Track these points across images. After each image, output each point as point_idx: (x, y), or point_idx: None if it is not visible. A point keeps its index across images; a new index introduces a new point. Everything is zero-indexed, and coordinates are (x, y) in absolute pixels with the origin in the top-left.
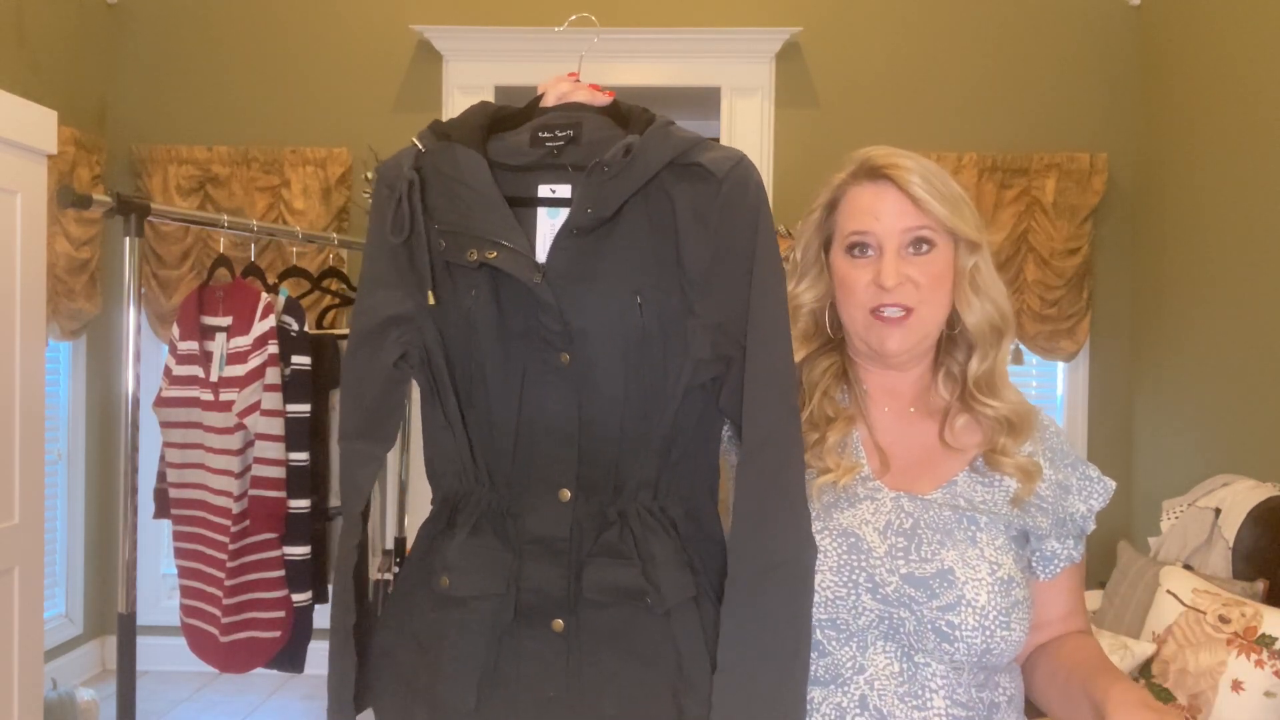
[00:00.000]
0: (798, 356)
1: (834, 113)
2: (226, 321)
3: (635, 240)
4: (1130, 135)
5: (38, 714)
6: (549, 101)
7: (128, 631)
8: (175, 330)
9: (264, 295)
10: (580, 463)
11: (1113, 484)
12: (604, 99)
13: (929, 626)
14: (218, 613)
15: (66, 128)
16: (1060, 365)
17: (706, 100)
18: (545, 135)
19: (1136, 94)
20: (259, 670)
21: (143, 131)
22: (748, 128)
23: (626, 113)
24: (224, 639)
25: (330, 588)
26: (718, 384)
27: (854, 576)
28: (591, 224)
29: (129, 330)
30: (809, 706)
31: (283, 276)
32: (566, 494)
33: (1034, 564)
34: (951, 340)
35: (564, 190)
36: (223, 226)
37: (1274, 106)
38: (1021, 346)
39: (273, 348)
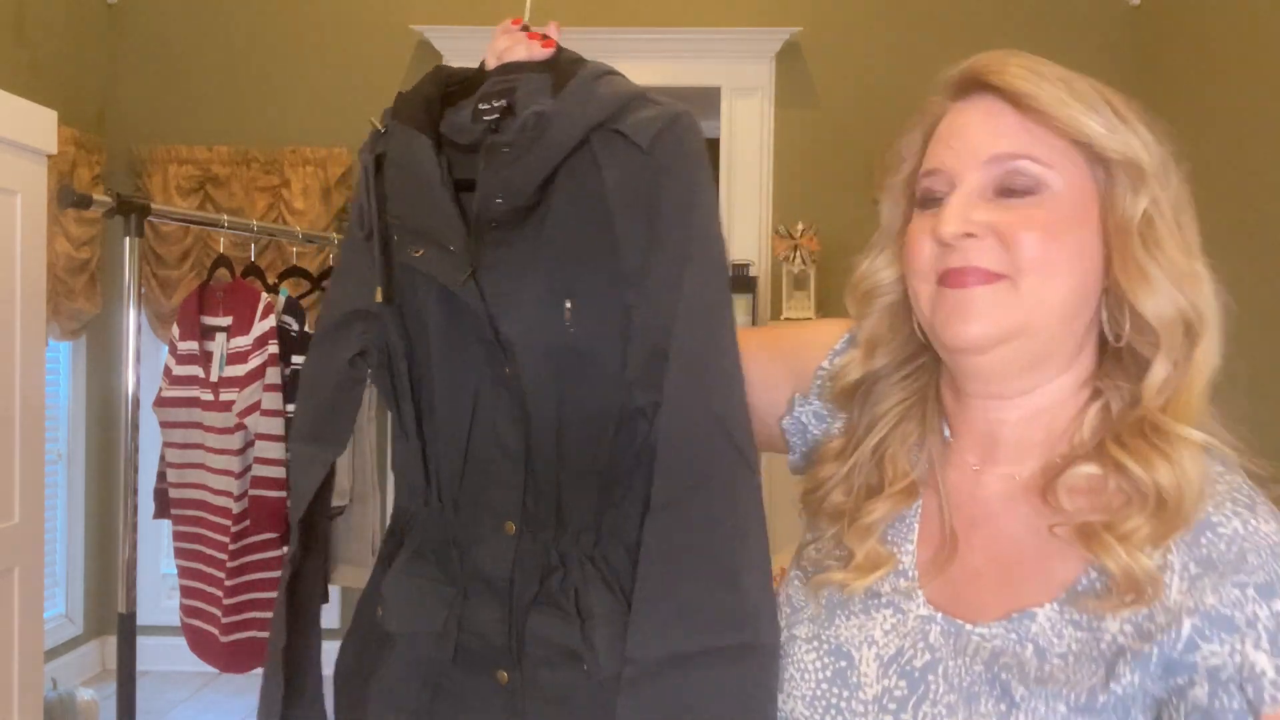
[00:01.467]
0: (854, 372)
1: (834, 113)
2: (226, 321)
3: (564, 230)
4: None
5: (38, 714)
6: (489, 63)
7: (128, 631)
8: (175, 330)
9: (264, 295)
10: (526, 492)
11: None
12: (543, 52)
13: None
14: (218, 613)
15: (66, 128)
16: None
17: (706, 100)
18: (484, 107)
19: (1136, 94)
20: (259, 670)
21: (143, 131)
22: (748, 128)
23: (566, 67)
24: (224, 639)
25: (330, 588)
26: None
27: (826, 717)
28: (504, 215)
29: (129, 330)
30: None
31: (283, 276)
32: (511, 527)
33: None
34: (1115, 356)
35: None
36: (223, 226)
37: (1273, 106)
38: None
39: (273, 348)
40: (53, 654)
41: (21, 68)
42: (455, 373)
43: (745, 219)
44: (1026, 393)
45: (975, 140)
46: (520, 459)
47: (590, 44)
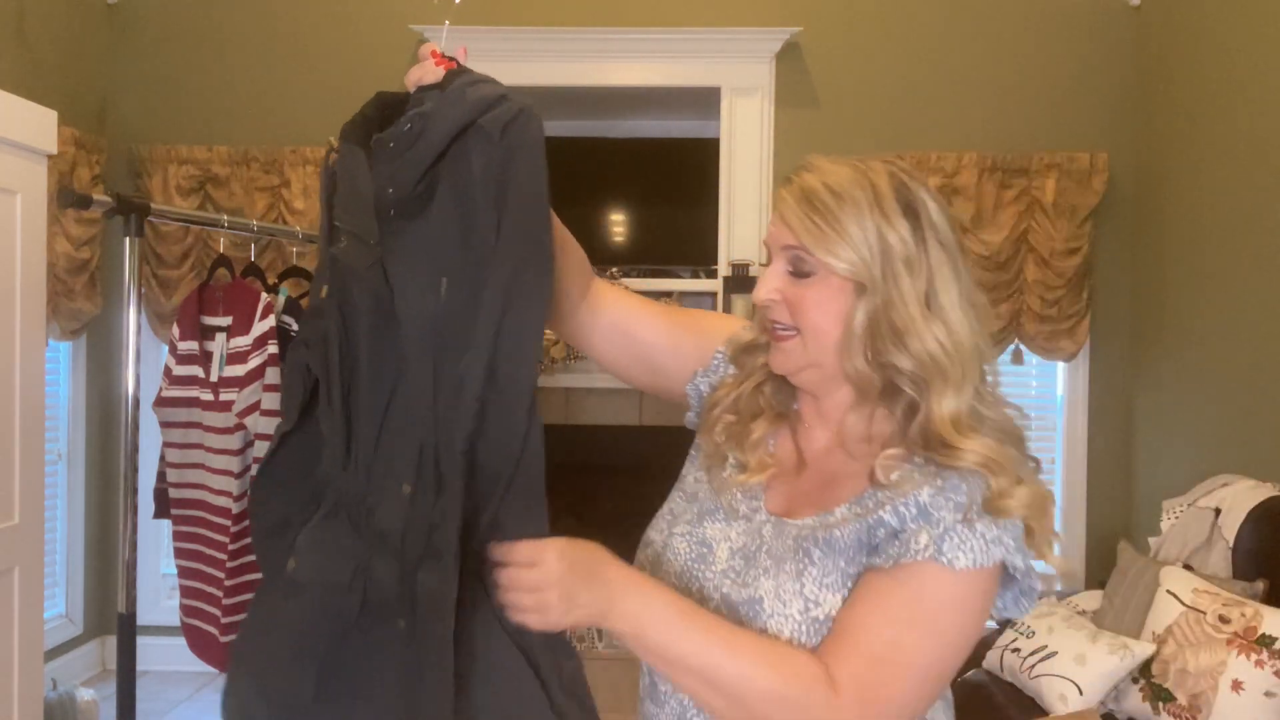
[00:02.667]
0: (747, 336)
1: (834, 113)
2: (226, 321)
3: (444, 216)
4: (1130, 135)
5: (38, 714)
6: (409, 89)
7: (128, 631)
8: (175, 330)
9: (264, 295)
10: (421, 456)
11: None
12: (437, 72)
13: None
14: (218, 612)
15: (66, 128)
16: (1060, 365)
17: (706, 100)
18: (405, 120)
19: (1136, 94)
20: None
21: (143, 131)
22: (748, 128)
23: (448, 79)
24: (224, 639)
25: None
26: None
27: (689, 585)
28: (397, 205)
29: (129, 330)
30: None
31: (283, 276)
32: (407, 488)
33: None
34: (893, 388)
35: None
36: (223, 226)
37: (1274, 106)
38: (1021, 346)
39: (272, 348)
40: (53, 654)
41: (21, 68)
42: (380, 353)
43: (745, 219)
44: (829, 395)
45: (774, 231)
46: (418, 426)
47: (590, 44)
